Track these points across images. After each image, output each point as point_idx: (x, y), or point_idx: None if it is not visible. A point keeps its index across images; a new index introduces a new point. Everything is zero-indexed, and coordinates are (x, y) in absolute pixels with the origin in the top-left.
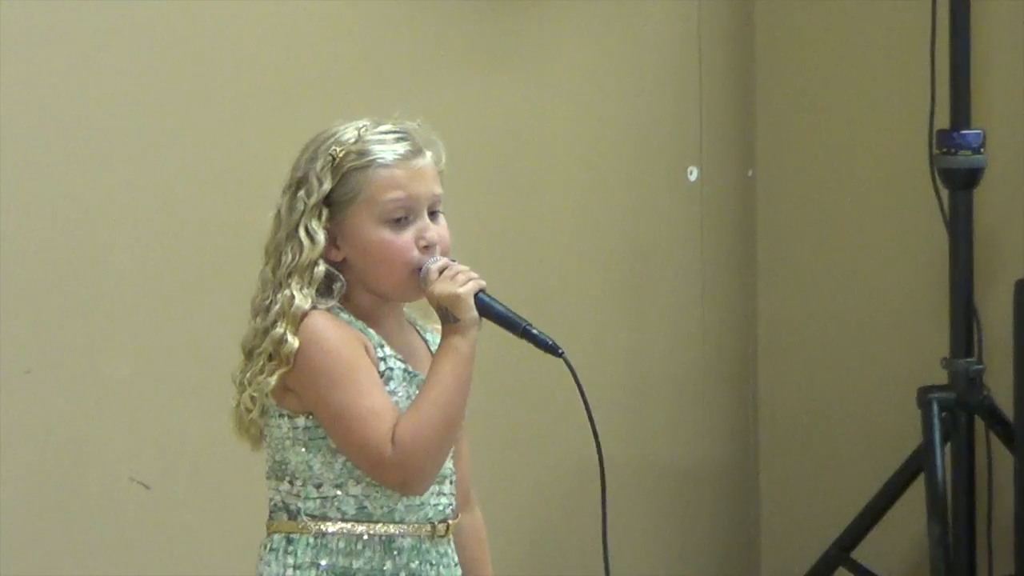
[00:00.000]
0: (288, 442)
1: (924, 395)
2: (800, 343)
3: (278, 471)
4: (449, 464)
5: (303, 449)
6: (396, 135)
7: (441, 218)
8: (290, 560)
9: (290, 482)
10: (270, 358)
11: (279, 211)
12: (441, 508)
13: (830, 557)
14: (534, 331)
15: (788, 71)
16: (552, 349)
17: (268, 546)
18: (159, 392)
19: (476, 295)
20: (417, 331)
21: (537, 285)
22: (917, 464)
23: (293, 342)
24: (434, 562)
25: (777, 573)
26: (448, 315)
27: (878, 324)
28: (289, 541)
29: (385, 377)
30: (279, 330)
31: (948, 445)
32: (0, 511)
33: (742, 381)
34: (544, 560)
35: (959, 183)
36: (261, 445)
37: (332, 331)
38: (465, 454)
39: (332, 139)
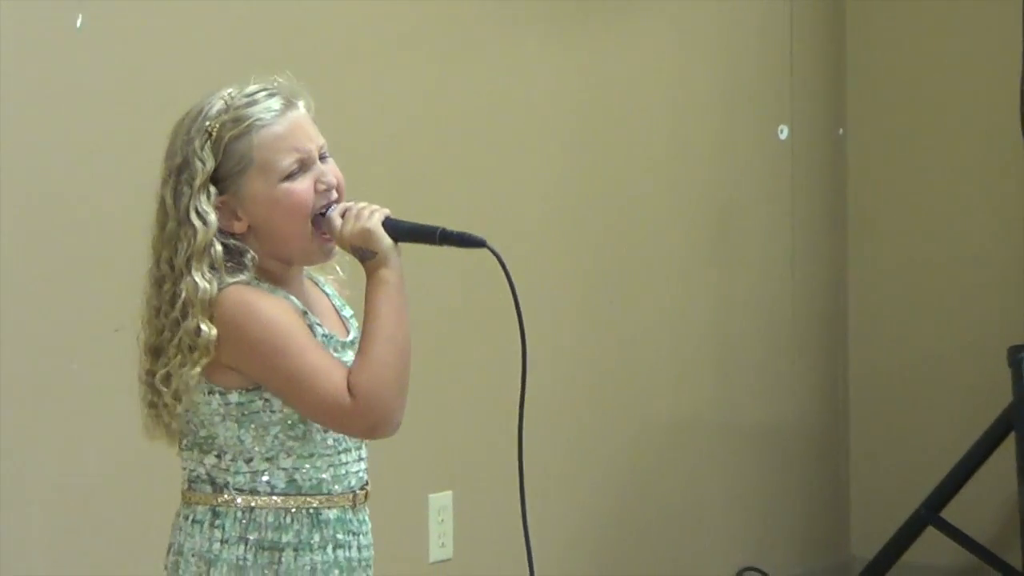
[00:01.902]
0: (218, 418)
1: (1015, 354)
2: (890, 301)
3: (203, 445)
4: None
5: (234, 424)
6: (265, 92)
7: (331, 161)
8: (217, 534)
9: (218, 456)
10: (190, 350)
11: (163, 202)
12: (361, 475)
13: (919, 517)
14: (451, 231)
15: (879, 30)
16: (476, 242)
17: (191, 517)
18: None
19: (385, 223)
20: (318, 286)
21: (627, 244)
22: (1007, 423)
23: (210, 330)
24: (355, 531)
25: (866, 532)
26: (365, 252)
27: (968, 282)
28: (215, 515)
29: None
30: (192, 321)
31: None
32: (89, 465)
33: (832, 340)
34: (629, 512)
35: None
36: (173, 440)
37: (260, 300)
38: None
39: (202, 116)
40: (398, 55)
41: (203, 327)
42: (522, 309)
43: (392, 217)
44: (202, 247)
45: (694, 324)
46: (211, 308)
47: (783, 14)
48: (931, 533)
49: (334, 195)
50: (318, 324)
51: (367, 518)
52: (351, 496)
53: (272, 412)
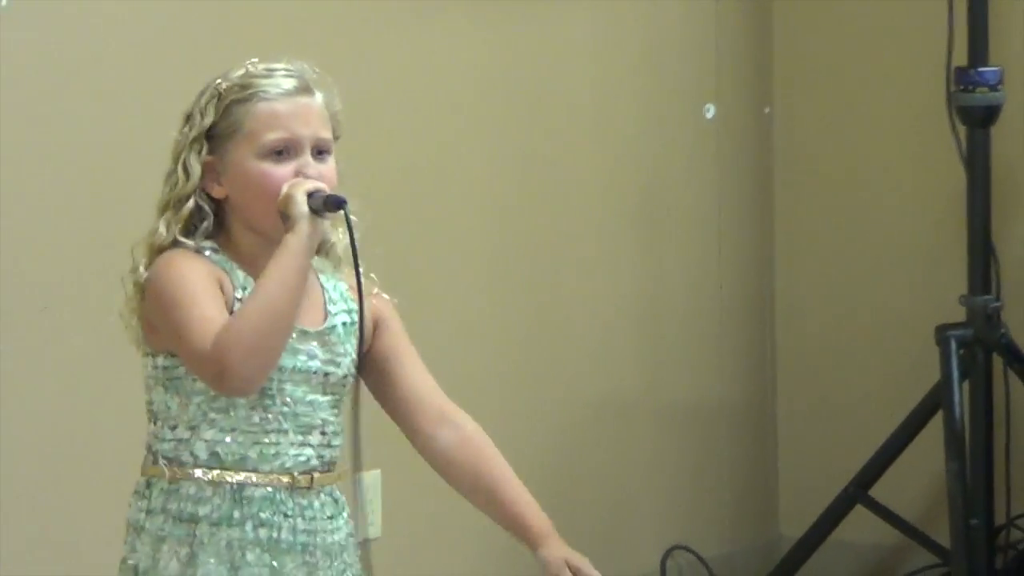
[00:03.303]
0: (152, 381)
1: (942, 332)
2: (817, 280)
3: (148, 412)
4: (325, 415)
5: (162, 389)
6: (285, 71)
7: (330, 160)
8: (144, 504)
9: (153, 422)
10: (132, 288)
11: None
12: (304, 459)
13: (848, 495)
14: (327, 194)
15: (805, 7)
16: (339, 204)
17: (135, 489)
18: None
19: (311, 194)
20: (318, 280)
21: (551, 224)
22: (935, 402)
23: (142, 272)
24: (289, 514)
25: (794, 511)
26: (284, 216)
27: (895, 262)
28: (148, 485)
29: None
30: (138, 256)
31: (966, 382)
32: (17, 448)
33: (759, 318)
34: (556, 493)
35: (977, 120)
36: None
37: (182, 259)
38: (419, 370)
39: (222, 76)
40: (314, 42)
41: (140, 268)
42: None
43: (322, 190)
44: (178, 197)
45: (620, 303)
46: (155, 257)
47: None
48: (859, 511)
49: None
50: None
51: (317, 503)
52: (288, 477)
53: (194, 380)
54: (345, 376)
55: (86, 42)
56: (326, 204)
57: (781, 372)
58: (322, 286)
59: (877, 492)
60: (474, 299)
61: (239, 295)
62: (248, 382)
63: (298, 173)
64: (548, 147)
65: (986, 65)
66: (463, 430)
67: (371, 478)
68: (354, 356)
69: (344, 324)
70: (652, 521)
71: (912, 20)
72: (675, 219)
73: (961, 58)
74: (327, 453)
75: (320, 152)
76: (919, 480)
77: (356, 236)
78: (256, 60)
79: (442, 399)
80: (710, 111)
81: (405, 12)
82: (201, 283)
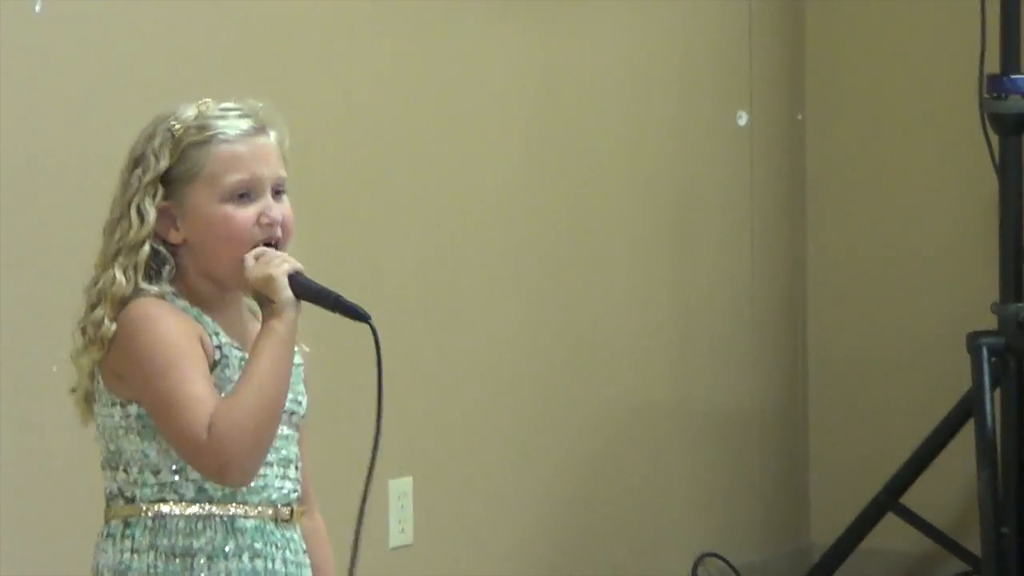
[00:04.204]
0: (121, 431)
1: (973, 340)
2: (849, 288)
3: (112, 461)
4: (295, 449)
5: (137, 437)
6: (238, 111)
7: (286, 199)
8: (128, 544)
9: (125, 471)
10: (90, 340)
11: (115, 193)
12: (285, 492)
13: (879, 502)
14: (345, 300)
15: (838, 14)
16: (361, 316)
17: (105, 533)
18: None
19: (291, 276)
20: (259, 321)
21: (586, 230)
22: (966, 409)
23: (110, 326)
24: (279, 544)
25: (826, 518)
26: (263, 299)
27: (927, 269)
28: (127, 525)
29: (221, 364)
30: (99, 312)
31: (997, 390)
32: (47, 458)
33: (791, 326)
34: (588, 500)
35: (1009, 128)
36: (90, 420)
37: (163, 318)
38: (304, 453)
39: (172, 117)
40: (354, 45)
41: (106, 321)
42: (382, 383)
43: (301, 273)
44: (132, 243)
45: (653, 310)
46: (119, 308)
47: None
48: (890, 519)
49: (278, 232)
50: (236, 347)
51: (296, 537)
52: (272, 509)
53: None
54: (303, 416)
55: (120, 48)
56: (348, 315)
57: (813, 379)
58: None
59: (908, 500)
60: (508, 306)
61: (216, 343)
62: (249, 475)
63: (261, 215)
64: (582, 155)
65: (1019, 72)
66: (316, 521)
67: (403, 485)
68: (305, 396)
69: (296, 365)
70: (683, 528)
71: (944, 27)
72: (708, 226)
73: (993, 65)
74: (298, 488)
75: (277, 192)
76: (950, 488)
77: (381, 352)
78: (208, 101)
79: (309, 482)
80: (743, 118)
81: (439, 20)
82: (185, 348)
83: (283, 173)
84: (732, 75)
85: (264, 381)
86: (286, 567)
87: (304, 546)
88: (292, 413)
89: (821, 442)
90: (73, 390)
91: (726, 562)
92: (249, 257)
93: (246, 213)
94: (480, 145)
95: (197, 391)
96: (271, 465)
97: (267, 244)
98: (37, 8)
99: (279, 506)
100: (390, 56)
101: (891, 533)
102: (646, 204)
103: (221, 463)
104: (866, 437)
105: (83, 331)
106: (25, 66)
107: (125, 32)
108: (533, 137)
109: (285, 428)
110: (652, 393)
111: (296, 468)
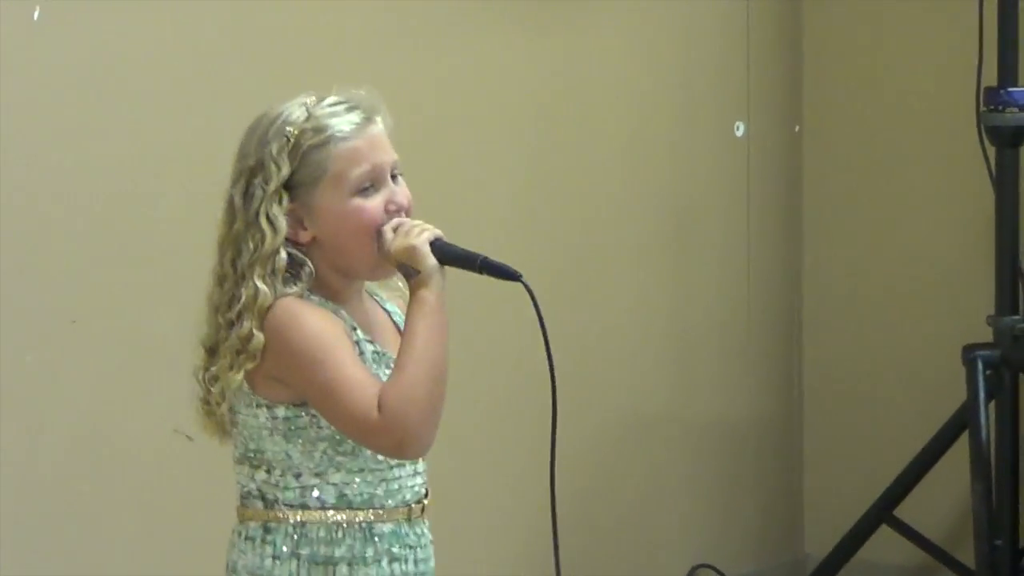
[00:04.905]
0: (265, 432)
1: (968, 353)
2: (845, 300)
3: (253, 460)
4: None
5: (282, 439)
6: (346, 105)
7: (402, 180)
8: (268, 550)
9: (267, 471)
10: (237, 353)
11: (231, 202)
12: (417, 489)
13: (873, 515)
14: (492, 261)
15: (835, 26)
16: (512, 275)
17: (243, 534)
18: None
19: (432, 243)
20: (378, 303)
21: (584, 241)
22: (961, 422)
23: (259, 336)
24: (412, 544)
25: (820, 530)
26: (409, 269)
27: (923, 281)
28: (267, 531)
29: (361, 357)
30: (246, 325)
31: (992, 403)
32: (44, 459)
33: (787, 338)
34: (582, 509)
35: (1006, 140)
36: (228, 439)
37: (308, 313)
38: None
39: (281, 120)
40: (359, 54)
41: (255, 333)
42: (547, 335)
43: (442, 239)
44: (268, 253)
45: (650, 321)
46: (263, 316)
47: (740, 11)
48: (885, 531)
49: (404, 217)
50: (368, 341)
51: (426, 531)
52: (406, 510)
53: (319, 428)
54: None
55: (117, 54)
56: (498, 275)
57: (808, 391)
58: (386, 310)
59: (902, 512)
60: (504, 314)
61: (355, 337)
62: (427, 446)
63: (388, 203)
64: (580, 166)
65: (1016, 85)
66: None
67: None
68: None
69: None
70: (677, 539)
71: (942, 40)
72: (705, 237)
73: (991, 78)
74: (426, 477)
75: (394, 176)
76: (944, 501)
77: (540, 308)
78: (311, 99)
79: None
80: (740, 129)
81: (436, 32)
82: (337, 338)
83: (396, 156)
84: (730, 86)
85: (425, 351)
86: (417, 566)
87: (430, 538)
88: None
89: (816, 454)
90: (215, 403)
91: (720, 573)
92: (387, 230)
93: (375, 203)
94: (478, 155)
95: (358, 374)
96: (403, 465)
97: None
98: (35, 16)
99: (412, 505)
100: (387, 66)
101: (885, 545)
102: (644, 215)
103: (398, 439)
104: (861, 449)
105: (212, 349)
106: (24, 72)
107: (124, 35)
108: (531, 147)
109: None
110: (648, 404)
111: (423, 460)
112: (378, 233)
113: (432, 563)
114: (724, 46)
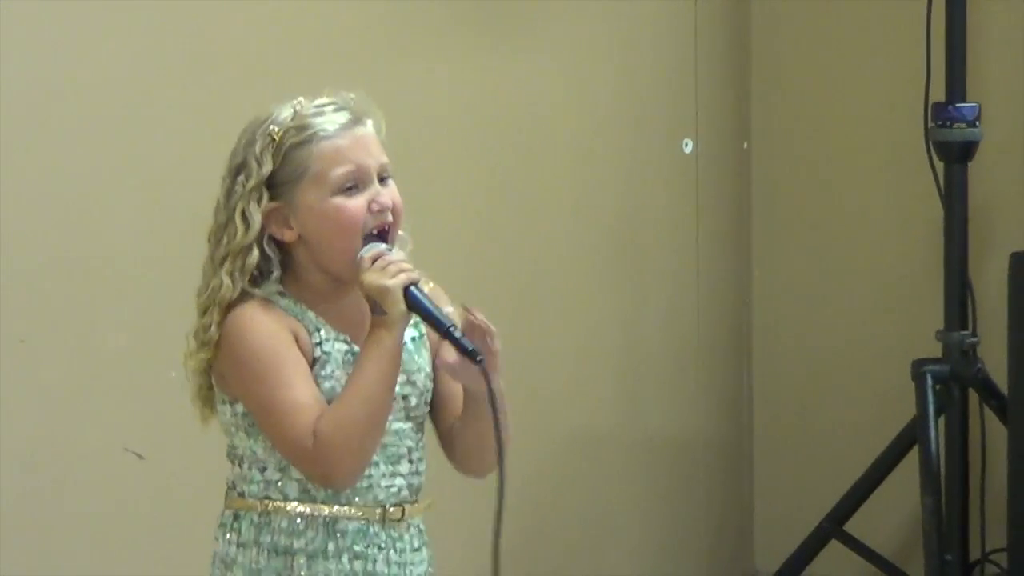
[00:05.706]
0: (233, 428)
1: (918, 368)
2: (794, 316)
3: (230, 454)
4: (410, 442)
5: (244, 435)
6: (334, 106)
7: (392, 183)
8: (233, 537)
9: (239, 465)
10: (200, 343)
11: (219, 199)
12: (395, 491)
13: (823, 530)
14: (457, 334)
15: (783, 43)
16: (472, 355)
17: (219, 522)
18: (153, 362)
19: (407, 289)
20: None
21: (532, 259)
22: (911, 437)
23: (215, 331)
24: (383, 545)
25: (770, 545)
26: (377, 307)
27: (872, 297)
28: (236, 518)
29: (320, 362)
30: (207, 318)
31: (942, 418)
32: None
33: (737, 354)
34: (538, 533)
35: (954, 156)
36: (211, 417)
37: (258, 323)
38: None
39: (268, 121)
40: (294, 74)
41: (212, 327)
42: (499, 418)
43: (417, 284)
44: (238, 249)
45: (597, 337)
46: (226, 312)
47: (687, 27)
48: (835, 546)
49: (388, 217)
50: (343, 342)
51: (410, 535)
52: (380, 510)
53: None
54: (422, 394)
55: (79, 47)
56: (459, 350)
57: (757, 406)
58: None
59: (852, 527)
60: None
61: (316, 339)
62: (352, 481)
63: (371, 202)
64: (526, 181)
65: (963, 101)
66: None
67: None
68: (428, 369)
69: (413, 339)
70: (629, 555)
71: (890, 56)
72: (653, 253)
73: (939, 94)
74: (415, 481)
75: (383, 178)
76: (894, 515)
77: (494, 391)
78: (301, 100)
79: None
80: (688, 146)
81: (382, 51)
82: (284, 354)
83: (385, 159)
84: (678, 103)
85: (370, 391)
86: (389, 568)
87: (415, 543)
88: (404, 398)
89: (766, 469)
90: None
91: None
92: (366, 258)
93: (357, 202)
94: (423, 175)
95: (298, 397)
96: (377, 464)
97: (380, 231)
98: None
99: (387, 506)
100: (329, 86)
101: (835, 560)
102: (593, 232)
103: (326, 470)
104: (811, 464)
105: (194, 335)
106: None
107: (124, 36)
108: (479, 167)
109: (397, 422)
110: (596, 419)
111: (411, 462)
112: (371, 236)
113: (422, 568)
114: (672, 63)
